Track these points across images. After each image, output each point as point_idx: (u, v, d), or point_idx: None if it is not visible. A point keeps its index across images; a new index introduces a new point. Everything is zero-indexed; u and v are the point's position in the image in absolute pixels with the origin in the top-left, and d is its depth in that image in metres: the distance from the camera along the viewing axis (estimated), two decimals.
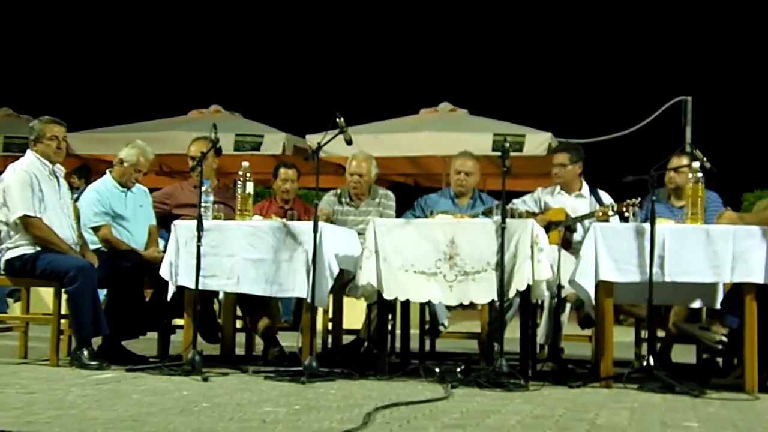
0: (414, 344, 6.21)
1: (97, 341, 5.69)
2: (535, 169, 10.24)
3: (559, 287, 5.53)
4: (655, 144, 13.53)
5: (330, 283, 5.22)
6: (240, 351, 6.40)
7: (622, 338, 6.40)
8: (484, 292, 5.07)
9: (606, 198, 6.25)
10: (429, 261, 5.15)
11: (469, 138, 9.27)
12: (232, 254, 5.36)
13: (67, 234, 5.67)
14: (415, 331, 6.24)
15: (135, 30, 22.39)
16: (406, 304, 5.62)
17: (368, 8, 22.16)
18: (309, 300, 5.14)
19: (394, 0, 22.75)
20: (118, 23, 22.42)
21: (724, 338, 5.16)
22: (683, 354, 6.26)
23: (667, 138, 14.45)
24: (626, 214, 5.50)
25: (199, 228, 5.23)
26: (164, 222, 6.26)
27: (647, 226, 4.96)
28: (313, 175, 5.40)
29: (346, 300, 5.88)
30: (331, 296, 5.50)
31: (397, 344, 6.11)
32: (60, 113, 5.89)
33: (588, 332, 6.18)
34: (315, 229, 5.10)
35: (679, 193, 5.93)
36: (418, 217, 6.19)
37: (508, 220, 5.02)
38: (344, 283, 5.69)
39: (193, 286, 5.27)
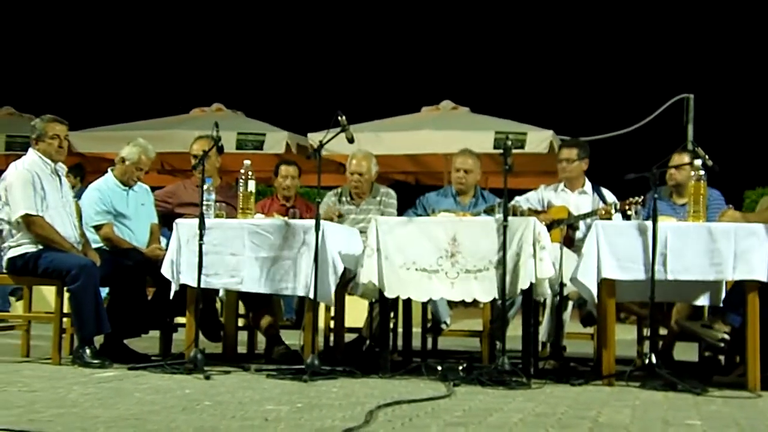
0: (416, 342, 6.21)
1: (99, 340, 5.69)
2: (537, 167, 10.24)
3: (561, 285, 5.53)
4: (656, 142, 13.55)
5: (335, 280, 5.22)
6: (242, 349, 6.41)
7: (624, 336, 6.40)
8: (486, 290, 5.07)
9: (609, 196, 6.24)
10: (431, 259, 5.15)
11: (470, 136, 9.26)
12: (235, 253, 5.36)
13: (69, 232, 5.67)
14: (417, 329, 6.24)
15: (137, 28, 22.42)
16: (408, 302, 5.62)
17: (370, 7, 22.16)
18: (312, 297, 5.14)
19: None
20: (120, 22, 22.45)
21: (727, 336, 5.16)
22: (685, 352, 6.26)
23: (669, 136, 14.46)
24: (629, 213, 5.49)
25: (201, 226, 5.23)
26: (166, 221, 6.26)
27: (649, 224, 4.96)
28: (315, 173, 5.41)
29: (348, 298, 5.88)
30: (332, 294, 5.49)
31: (399, 342, 6.11)
32: (62, 112, 5.89)
33: (590, 330, 6.19)
34: (317, 227, 5.10)
35: (681, 191, 5.93)
36: (420, 215, 6.19)
37: (510, 218, 5.02)
38: (346, 281, 5.69)
39: (195, 285, 5.28)
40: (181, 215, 5.91)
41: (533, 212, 6.03)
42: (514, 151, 5.33)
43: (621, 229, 5.10)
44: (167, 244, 5.66)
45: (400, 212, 6.46)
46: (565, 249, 5.62)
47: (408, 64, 22.32)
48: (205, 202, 5.37)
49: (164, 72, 21.63)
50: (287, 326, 6.39)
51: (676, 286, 5.19)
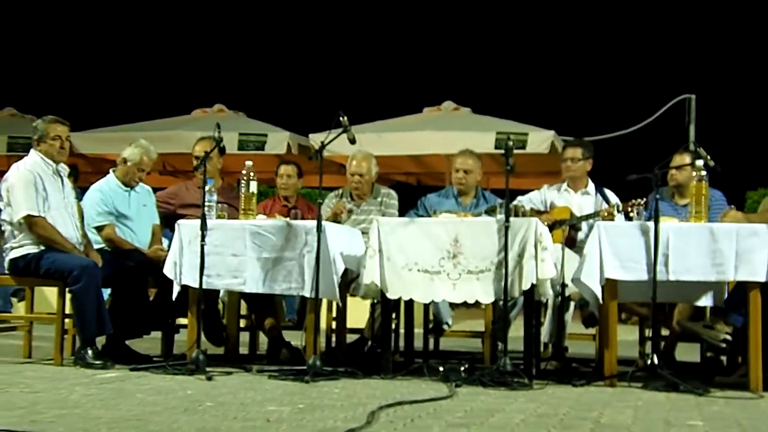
0: (418, 343, 6.20)
1: (101, 340, 5.70)
2: (538, 167, 10.24)
3: (563, 286, 5.52)
4: (658, 142, 13.53)
5: (337, 278, 5.22)
6: (244, 350, 6.41)
7: (626, 337, 6.39)
8: (488, 291, 5.07)
9: (612, 197, 6.24)
10: (432, 260, 5.15)
11: (472, 136, 9.26)
12: (237, 253, 5.36)
13: (71, 233, 5.67)
14: (419, 330, 6.23)
15: (138, 29, 22.43)
16: (409, 303, 5.62)
17: (371, 7, 22.16)
18: (313, 297, 5.14)
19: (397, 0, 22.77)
20: (121, 23, 22.45)
21: (729, 337, 5.16)
22: (687, 352, 6.25)
23: (671, 136, 14.46)
24: (631, 214, 5.49)
25: (203, 227, 5.23)
26: (169, 222, 6.26)
27: (651, 224, 4.96)
28: (317, 174, 5.42)
29: (350, 299, 5.88)
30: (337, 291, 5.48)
31: (401, 343, 6.11)
32: (63, 113, 5.89)
33: (592, 331, 6.18)
34: (319, 228, 5.10)
35: (682, 191, 5.93)
36: (421, 216, 6.18)
37: (511, 218, 5.02)
38: (348, 282, 5.69)
39: (197, 285, 5.28)
40: (183, 216, 5.92)
41: (536, 212, 6.03)
42: (516, 151, 5.33)
43: (623, 230, 5.10)
44: (169, 245, 5.67)
45: (402, 213, 6.45)
46: (566, 250, 5.61)
47: (409, 65, 22.35)
48: (206, 203, 5.37)
49: (166, 73, 21.65)
50: (289, 327, 6.39)
51: (678, 287, 5.18)
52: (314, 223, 5.16)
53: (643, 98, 17.08)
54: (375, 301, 5.91)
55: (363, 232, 5.88)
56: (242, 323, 6.39)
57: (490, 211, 5.75)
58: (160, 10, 22.12)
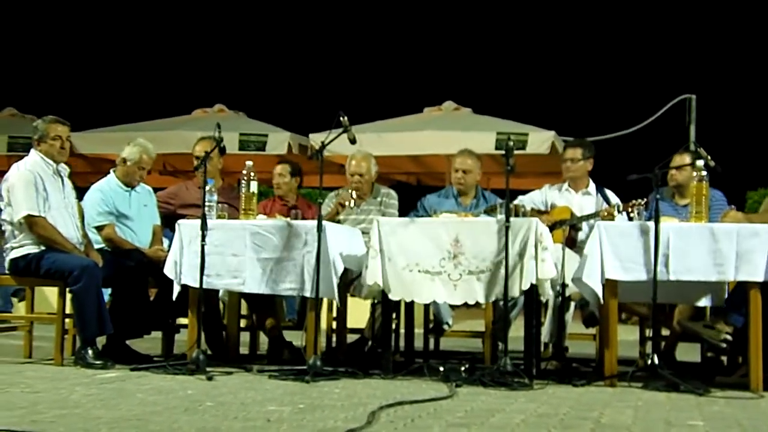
0: (418, 343, 6.20)
1: (101, 340, 5.70)
2: (539, 168, 10.25)
3: (564, 286, 5.52)
4: (659, 142, 13.52)
5: (336, 279, 5.21)
6: (244, 350, 6.40)
7: (627, 337, 6.40)
8: (489, 291, 5.07)
9: (613, 197, 6.24)
10: (433, 260, 5.15)
11: (472, 137, 9.26)
12: (236, 253, 5.37)
13: (71, 233, 5.68)
14: (419, 330, 6.23)
15: (138, 29, 22.43)
16: (410, 303, 5.61)
17: (372, 7, 22.17)
18: (313, 297, 5.14)
19: (398, 0, 22.77)
20: (122, 23, 22.46)
21: (729, 337, 5.16)
22: (688, 352, 6.25)
23: (672, 136, 14.45)
24: (631, 215, 5.49)
25: (203, 227, 5.24)
26: (169, 222, 6.26)
27: (652, 224, 4.96)
28: (317, 174, 5.42)
29: (350, 299, 5.88)
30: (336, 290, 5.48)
31: (402, 343, 6.11)
32: (64, 113, 5.89)
33: (592, 331, 6.18)
34: (319, 228, 5.10)
35: (682, 192, 5.93)
36: (422, 217, 6.18)
37: (512, 218, 5.02)
38: (348, 282, 5.69)
39: (197, 285, 5.28)
40: (183, 216, 5.92)
41: (536, 213, 6.03)
42: (516, 151, 5.32)
43: (623, 230, 5.10)
44: (169, 245, 5.67)
45: (402, 214, 6.44)
46: (567, 250, 5.61)
47: (410, 65, 22.34)
48: (207, 203, 5.37)
49: (166, 73, 21.65)
50: (289, 327, 6.39)
51: (679, 287, 5.19)
52: (314, 223, 5.16)
53: (643, 98, 17.08)
54: (375, 301, 5.91)
55: (363, 232, 5.88)
56: (242, 323, 6.38)
57: (490, 211, 5.75)
58: (161, 10, 22.14)
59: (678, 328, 5.70)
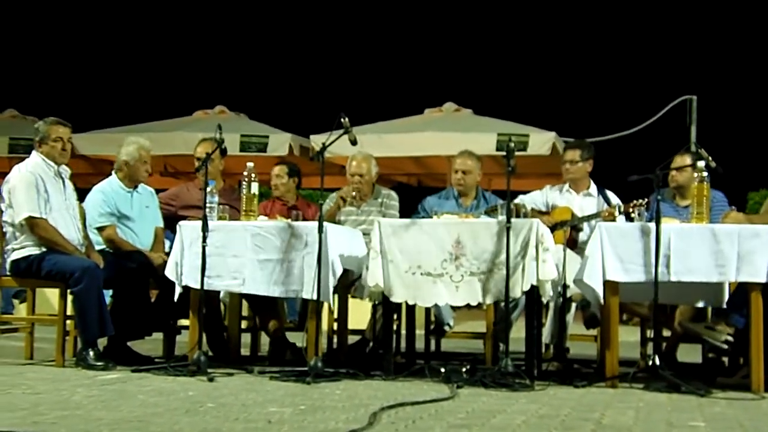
0: (419, 344, 6.21)
1: (102, 342, 5.70)
2: (540, 169, 10.25)
3: (565, 287, 5.52)
4: (660, 143, 13.53)
5: (333, 282, 5.21)
6: (245, 351, 6.40)
7: (628, 338, 6.40)
8: (490, 292, 5.07)
9: (614, 198, 6.24)
10: (435, 262, 5.15)
11: (473, 138, 9.27)
12: (237, 254, 5.37)
13: (72, 235, 5.68)
14: (420, 331, 6.24)
15: (139, 31, 22.43)
16: (411, 304, 5.62)
17: (373, 8, 22.17)
18: (313, 299, 5.14)
19: (398, 0, 22.76)
20: (123, 24, 22.47)
21: (730, 338, 5.16)
22: (689, 353, 6.25)
23: (672, 137, 14.44)
24: (632, 215, 5.49)
25: (204, 228, 5.24)
26: (170, 223, 6.26)
27: (653, 225, 4.96)
28: (318, 175, 5.42)
29: (351, 300, 5.88)
30: (336, 296, 5.49)
31: (403, 344, 6.11)
32: (65, 114, 5.90)
33: (593, 332, 6.18)
34: (320, 229, 5.10)
35: (683, 192, 5.93)
36: (423, 218, 6.18)
37: (513, 219, 5.02)
38: (349, 283, 5.68)
39: (198, 286, 5.28)
40: (184, 217, 5.92)
41: (537, 213, 6.03)
42: (517, 153, 5.32)
43: (624, 231, 5.10)
44: (170, 247, 5.67)
45: (403, 215, 6.44)
46: (568, 251, 5.62)
47: (411, 66, 22.33)
48: (208, 205, 5.37)
49: (167, 74, 21.65)
50: (290, 328, 6.39)
51: (680, 288, 5.19)
52: (315, 224, 5.16)
53: (644, 99, 17.07)
54: (377, 302, 5.91)
55: (364, 233, 5.88)
56: (244, 324, 6.38)
57: (491, 212, 5.75)
58: (162, 11, 22.15)
59: (679, 329, 5.70)
